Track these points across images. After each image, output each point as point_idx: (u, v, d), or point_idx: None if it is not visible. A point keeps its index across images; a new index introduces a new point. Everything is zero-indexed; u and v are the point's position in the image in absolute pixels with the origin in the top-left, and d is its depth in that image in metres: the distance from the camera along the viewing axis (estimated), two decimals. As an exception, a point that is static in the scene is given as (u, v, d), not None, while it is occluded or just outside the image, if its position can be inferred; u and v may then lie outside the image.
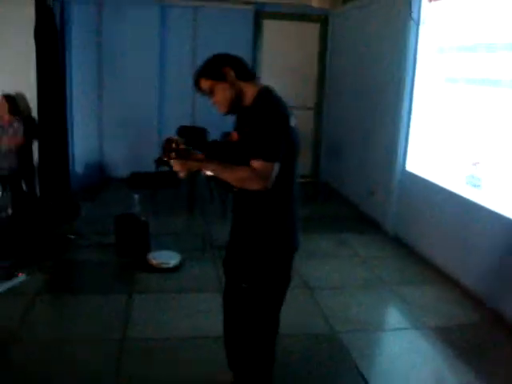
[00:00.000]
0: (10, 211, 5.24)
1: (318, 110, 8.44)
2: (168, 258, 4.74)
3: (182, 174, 2.27)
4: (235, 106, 2.35)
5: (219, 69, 2.31)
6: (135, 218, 5.09)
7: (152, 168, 6.68)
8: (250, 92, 2.32)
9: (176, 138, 2.26)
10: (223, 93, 2.31)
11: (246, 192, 2.25)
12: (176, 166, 2.23)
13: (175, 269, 4.64)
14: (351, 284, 4.63)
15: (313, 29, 8.17)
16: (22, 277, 4.34)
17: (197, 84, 2.37)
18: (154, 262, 4.70)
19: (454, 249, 4.69)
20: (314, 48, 8.24)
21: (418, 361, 3.43)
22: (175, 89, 7.77)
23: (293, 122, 2.26)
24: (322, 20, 8.14)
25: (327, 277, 4.77)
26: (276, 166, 2.18)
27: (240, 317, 2.57)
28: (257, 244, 2.41)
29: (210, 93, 2.34)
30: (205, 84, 2.33)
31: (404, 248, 5.53)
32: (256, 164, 2.16)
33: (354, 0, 7.06)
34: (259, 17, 7.86)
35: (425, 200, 5.26)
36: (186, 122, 7.28)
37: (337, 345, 3.56)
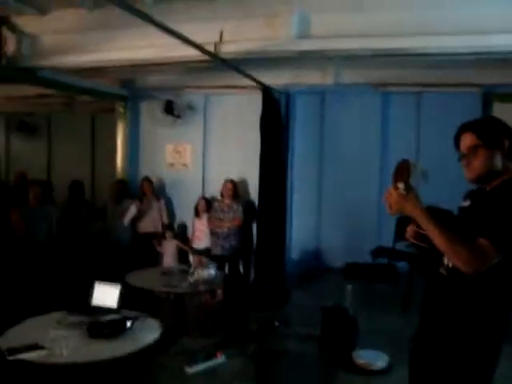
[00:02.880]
0: (220, 293, 5.35)
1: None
2: (375, 359, 4.29)
3: (391, 211, 2.05)
4: (486, 178, 2.10)
5: (498, 135, 2.07)
6: (344, 311, 4.77)
7: (368, 259, 6.38)
8: (505, 174, 2.07)
9: (411, 162, 2.09)
10: (486, 160, 2.06)
11: (453, 283, 2.01)
12: (394, 197, 2.02)
13: (382, 372, 4.16)
14: None
15: (555, 110, 7.24)
16: (221, 359, 4.30)
17: (459, 135, 2.15)
18: (359, 361, 4.28)
19: None
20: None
21: None
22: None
23: None
24: None
25: None
26: (496, 257, 1.87)
27: None
28: (453, 356, 2.05)
29: (469, 153, 2.09)
30: (469, 140, 2.09)
31: None
32: (480, 241, 1.88)
33: None
34: (489, 99, 7.22)
35: None
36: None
37: None
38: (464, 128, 2.14)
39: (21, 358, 2.83)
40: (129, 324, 3.27)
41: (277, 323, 5.22)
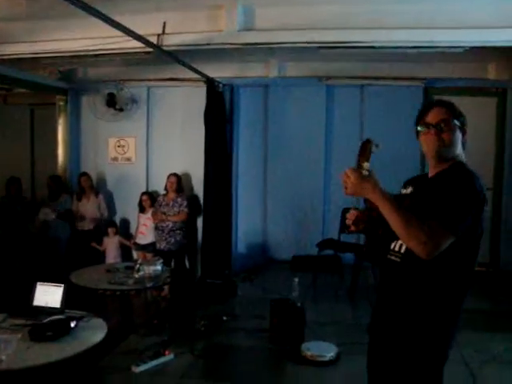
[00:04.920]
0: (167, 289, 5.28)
1: (497, 190, 7.59)
2: (323, 351, 4.30)
3: (347, 192, 2.01)
4: (446, 154, 2.08)
5: (465, 120, 2.13)
6: (292, 303, 4.77)
7: (315, 252, 6.45)
8: (453, 161, 2.08)
9: (375, 142, 2.01)
10: (456, 137, 2.08)
11: (407, 269, 2.00)
12: (352, 178, 1.97)
13: (330, 363, 4.18)
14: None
15: (489, 104, 7.49)
16: (168, 356, 4.22)
17: (430, 108, 2.12)
18: (308, 353, 4.28)
19: None
20: (491, 124, 7.52)
21: None
22: (341, 170, 7.47)
23: (487, 206, 1.99)
24: (500, 94, 7.45)
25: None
26: (449, 239, 1.85)
27: None
28: (408, 342, 2.02)
29: (441, 124, 2.06)
30: (444, 114, 2.08)
31: None
32: (431, 223, 1.85)
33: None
34: (429, 93, 7.41)
35: None
36: (352, 204, 6.85)
37: None
38: (440, 103, 2.13)
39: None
40: (73, 324, 3.16)
41: (225, 318, 5.20)
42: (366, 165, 1.97)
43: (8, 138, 8.46)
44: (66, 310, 3.43)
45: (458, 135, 2.09)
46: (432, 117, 2.09)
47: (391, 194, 2.13)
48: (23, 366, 2.76)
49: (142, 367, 4.02)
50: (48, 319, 3.20)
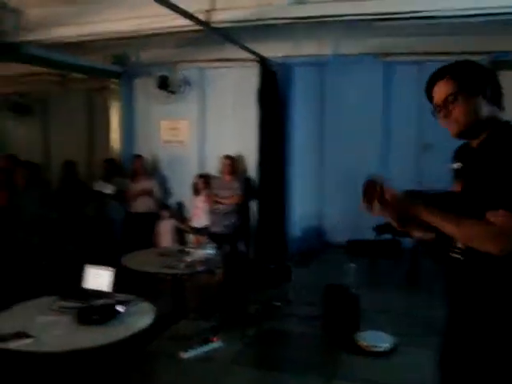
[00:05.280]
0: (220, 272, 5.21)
1: None
2: (379, 341, 4.12)
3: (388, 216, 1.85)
4: (471, 131, 1.79)
5: (479, 80, 1.78)
6: (345, 290, 4.60)
7: (372, 236, 6.23)
8: (491, 124, 1.76)
9: (379, 180, 1.84)
10: (468, 108, 1.77)
11: (473, 267, 1.72)
12: (378, 211, 1.82)
13: (386, 354, 3.99)
14: None
15: None
16: (217, 343, 4.16)
17: (432, 84, 1.85)
18: (363, 343, 4.11)
19: None
20: None
21: None
22: (399, 150, 7.20)
23: None
24: None
25: None
26: None
27: None
28: (491, 347, 1.72)
29: (448, 102, 1.78)
30: (446, 88, 1.79)
31: None
32: (496, 216, 1.59)
33: None
34: (494, 67, 6.93)
35: None
36: (411, 186, 6.60)
37: None
38: (439, 75, 1.84)
39: (6, 347, 2.67)
40: (120, 309, 3.12)
41: (277, 303, 5.08)
42: (376, 204, 1.83)
43: (65, 123, 8.62)
44: (116, 294, 3.39)
45: (476, 101, 1.76)
46: (437, 95, 1.82)
47: (433, 193, 1.94)
48: (69, 348, 2.75)
49: (190, 353, 3.98)
50: (96, 302, 3.18)
